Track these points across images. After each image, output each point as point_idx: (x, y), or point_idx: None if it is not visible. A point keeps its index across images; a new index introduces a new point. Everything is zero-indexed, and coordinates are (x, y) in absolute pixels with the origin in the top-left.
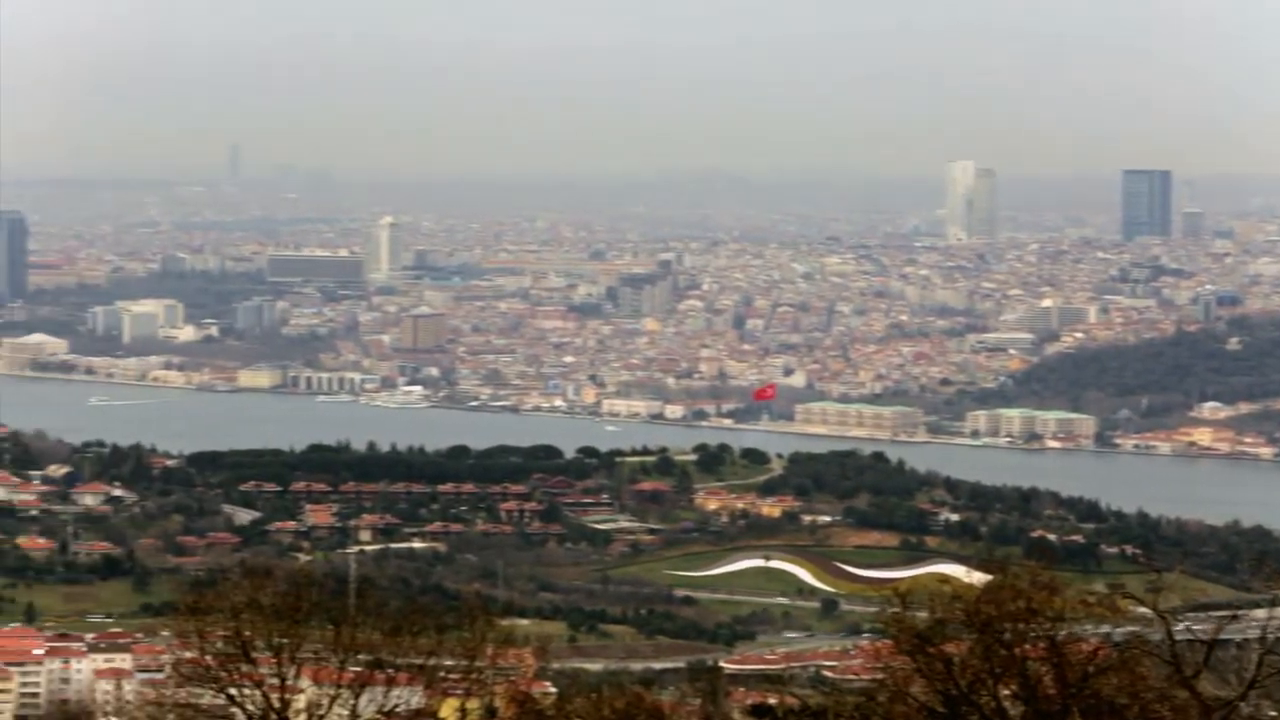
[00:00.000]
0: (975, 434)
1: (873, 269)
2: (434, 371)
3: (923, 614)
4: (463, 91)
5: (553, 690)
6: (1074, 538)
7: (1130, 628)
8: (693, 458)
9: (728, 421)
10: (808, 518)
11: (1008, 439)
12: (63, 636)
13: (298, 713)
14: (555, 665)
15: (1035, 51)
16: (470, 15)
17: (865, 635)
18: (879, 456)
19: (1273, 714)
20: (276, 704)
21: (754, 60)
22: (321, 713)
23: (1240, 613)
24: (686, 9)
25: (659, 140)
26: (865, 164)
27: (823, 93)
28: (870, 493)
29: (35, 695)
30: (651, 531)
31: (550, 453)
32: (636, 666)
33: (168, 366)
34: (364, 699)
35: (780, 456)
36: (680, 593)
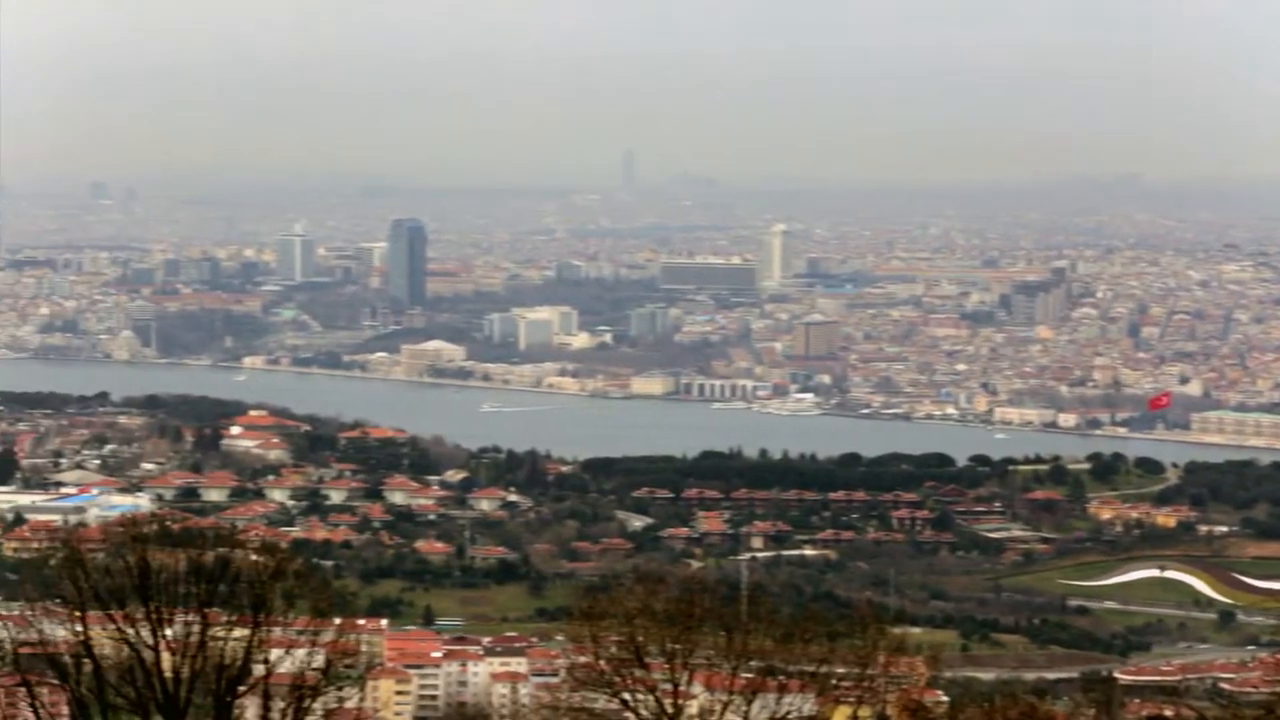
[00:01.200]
0: None
1: (1271, 276)
2: (825, 379)
3: None
4: (849, 100)
5: (945, 699)
6: None
7: None
8: (1086, 466)
9: (1122, 430)
10: (1204, 528)
11: None
12: (460, 640)
13: (690, 718)
14: (947, 674)
15: None
16: (853, 18)
17: (1265, 647)
18: (1279, 466)
19: None
20: (669, 709)
21: (1150, 61)
22: (714, 719)
23: None
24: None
25: (1053, 146)
26: (1266, 169)
27: (1221, 95)
28: (1269, 503)
29: (434, 697)
30: (1044, 540)
31: (942, 461)
32: (1029, 676)
33: (562, 373)
34: (756, 705)
35: (1175, 466)
36: (1074, 602)
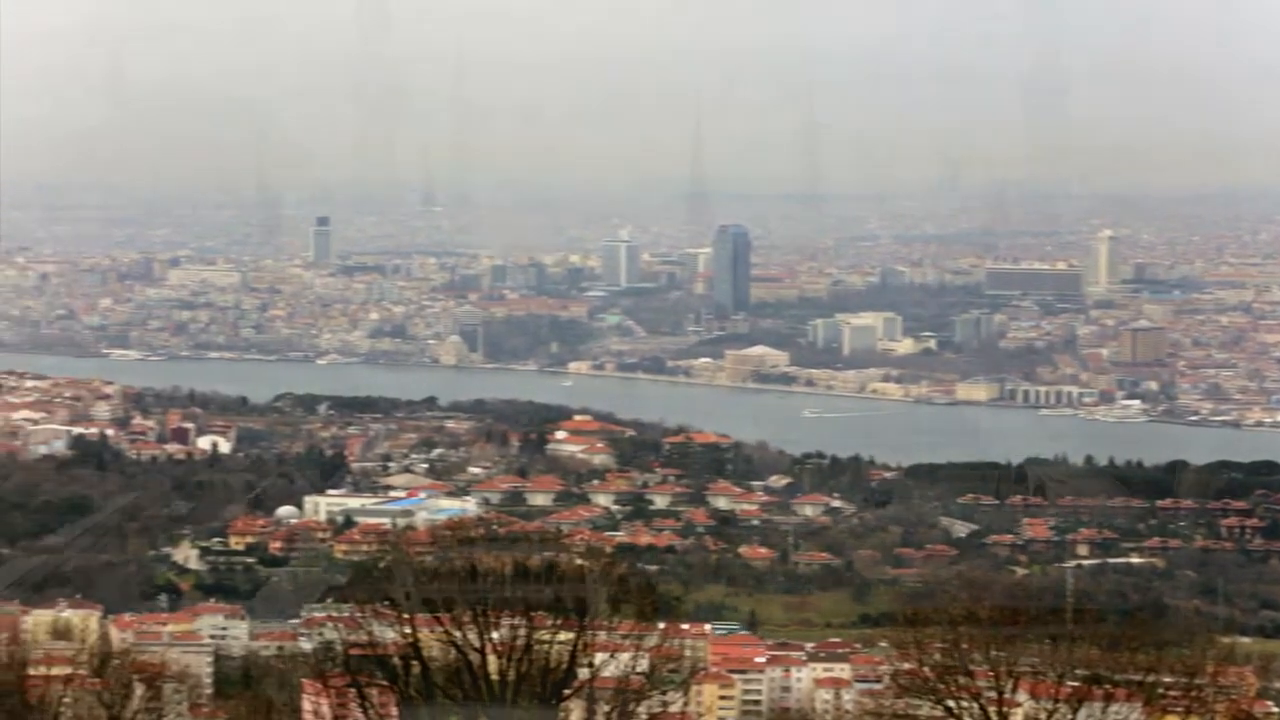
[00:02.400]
0: None
1: None
2: (1153, 385)
3: None
4: (1172, 102)
5: (1275, 710)
6: None
7: None
8: None
9: None
10: None
11: None
12: (783, 645)
13: None
14: (1277, 684)
15: None
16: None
17: None
18: None
19: None
20: (994, 717)
21: None
22: None
23: None
24: None
25: None
26: None
27: None
28: None
29: (757, 702)
30: None
31: (1272, 468)
32: None
33: (886, 379)
34: (1082, 714)
35: None
36: None
